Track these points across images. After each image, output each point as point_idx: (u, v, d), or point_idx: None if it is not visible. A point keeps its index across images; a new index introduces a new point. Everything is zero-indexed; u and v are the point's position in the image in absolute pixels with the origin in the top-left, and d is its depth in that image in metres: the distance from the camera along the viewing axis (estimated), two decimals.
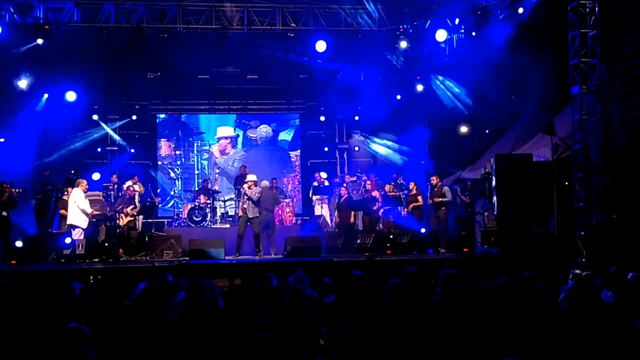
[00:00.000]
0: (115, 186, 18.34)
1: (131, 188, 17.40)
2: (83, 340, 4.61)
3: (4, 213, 15.14)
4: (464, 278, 7.24)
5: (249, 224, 15.82)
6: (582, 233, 13.51)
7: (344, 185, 18.64)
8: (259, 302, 6.65)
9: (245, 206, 15.84)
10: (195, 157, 23.21)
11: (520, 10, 15.81)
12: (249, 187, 15.82)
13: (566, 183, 14.97)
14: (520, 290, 7.11)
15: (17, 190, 15.22)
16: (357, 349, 4.42)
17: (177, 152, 23.13)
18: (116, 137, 22.03)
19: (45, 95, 19.22)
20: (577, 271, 8.68)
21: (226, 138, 23.29)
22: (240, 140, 23.50)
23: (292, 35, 17.90)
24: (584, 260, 13.15)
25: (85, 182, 15.65)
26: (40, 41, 16.77)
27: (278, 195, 17.71)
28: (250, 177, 16.32)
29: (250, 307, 6.47)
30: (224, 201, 19.83)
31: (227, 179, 22.49)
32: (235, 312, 6.76)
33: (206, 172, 22.87)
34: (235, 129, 23.49)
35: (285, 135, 23.85)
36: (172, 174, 22.74)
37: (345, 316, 5.84)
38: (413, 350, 4.96)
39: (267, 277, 8.35)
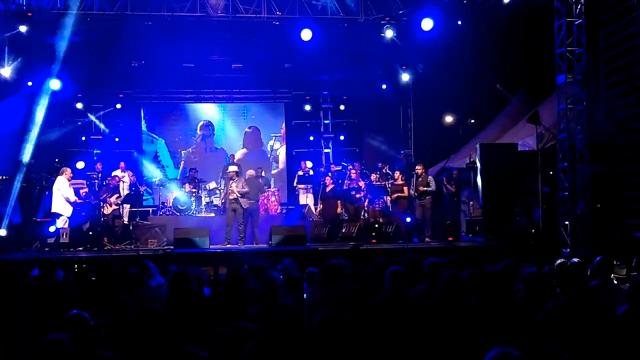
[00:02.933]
0: (100, 175, 18.24)
1: (116, 177, 17.31)
2: (85, 327, 4.59)
3: None
4: (449, 267, 7.27)
5: (235, 213, 16.00)
6: (567, 222, 13.57)
7: (329, 174, 18.62)
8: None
9: (232, 197, 15.98)
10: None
11: None
12: (232, 179, 16.18)
13: (551, 172, 15.02)
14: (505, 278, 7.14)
15: None
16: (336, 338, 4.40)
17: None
18: (101, 125, 21.93)
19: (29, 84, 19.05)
20: (562, 260, 8.70)
21: None
22: (225, 128, 23.45)
23: (277, 23, 17.79)
24: (568, 249, 13.22)
25: (69, 170, 15.60)
26: (23, 28, 16.58)
27: (262, 185, 17.68)
28: (232, 168, 16.55)
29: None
30: (210, 190, 19.76)
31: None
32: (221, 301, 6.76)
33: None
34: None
35: None
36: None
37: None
38: (399, 339, 4.95)
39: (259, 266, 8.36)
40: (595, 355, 4.43)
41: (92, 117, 21.79)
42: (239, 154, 23.00)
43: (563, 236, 13.66)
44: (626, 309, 5.34)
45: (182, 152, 23.00)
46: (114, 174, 17.65)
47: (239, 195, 15.93)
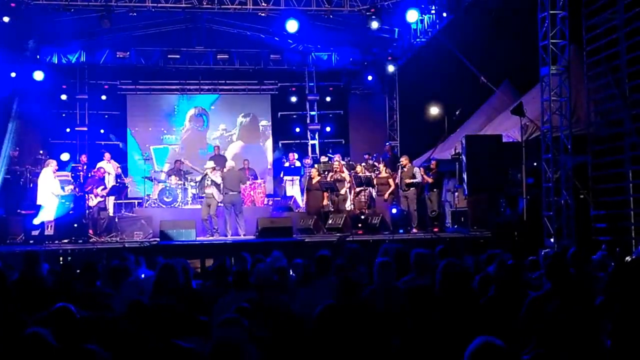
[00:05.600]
0: (85, 167, 18.16)
1: (101, 169, 17.24)
2: (71, 320, 4.59)
3: None
4: (435, 258, 7.32)
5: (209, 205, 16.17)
6: (551, 213, 13.68)
7: (315, 166, 18.64)
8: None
9: (209, 190, 16.05)
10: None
11: None
12: (212, 172, 16.21)
13: (535, 164, 15.11)
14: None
15: None
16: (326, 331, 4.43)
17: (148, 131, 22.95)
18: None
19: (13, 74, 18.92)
20: (547, 251, 8.80)
21: None
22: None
23: (263, 14, 17.77)
24: (552, 240, 13.33)
25: (54, 162, 15.58)
26: (6, 19, 16.47)
27: (244, 176, 17.63)
28: (209, 164, 16.61)
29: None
30: (196, 182, 19.70)
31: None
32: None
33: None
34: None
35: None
36: (143, 155, 22.50)
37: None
38: (386, 329, 4.99)
39: (242, 257, 8.38)
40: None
41: (77, 109, 21.64)
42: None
43: (547, 227, 13.76)
44: (602, 299, 5.40)
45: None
46: (99, 165, 17.56)
47: (217, 187, 16.08)
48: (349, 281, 6.00)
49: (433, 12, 18.22)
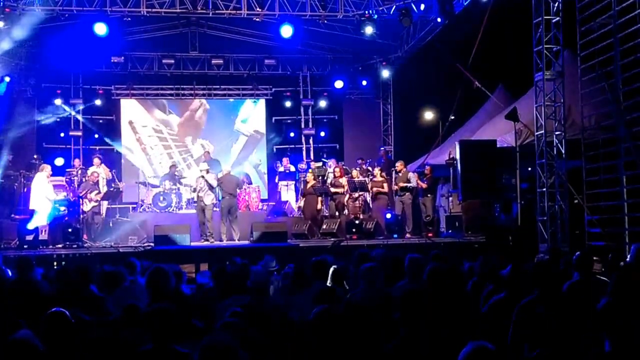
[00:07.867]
0: (79, 171, 18.12)
1: (95, 173, 17.20)
2: (65, 325, 4.57)
3: None
4: (429, 262, 7.31)
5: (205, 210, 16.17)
6: (545, 218, 13.71)
7: (310, 170, 18.65)
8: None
9: (201, 194, 16.07)
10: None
11: None
12: (206, 174, 16.30)
13: (529, 169, 15.15)
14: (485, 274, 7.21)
15: None
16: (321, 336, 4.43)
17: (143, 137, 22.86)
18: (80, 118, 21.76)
19: (7, 79, 18.87)
20: (541, 256, 8.80)
21: None
22: None
23: (257, 20, 17.77)
24: (546, 245, 13.35)
25: (49, 167, 15.56)
26: (0, 24, 16.44)
27: (240, 180, 17.67)
28: (202, 166, 16.63)
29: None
30: (192, 187, 19.66)
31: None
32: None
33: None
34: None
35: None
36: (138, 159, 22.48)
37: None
38: (379, 332, 4.99)
39: (233, 262, 8.37)
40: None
41: (72, 111, 21.58)
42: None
43: (541, 232, 13.79)
44: (607, 301, 5.37)
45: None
46: (90, 170, 17.51)
47: (211, 189, 16.12)
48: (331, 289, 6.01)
49: (427, 17, 18.25)
